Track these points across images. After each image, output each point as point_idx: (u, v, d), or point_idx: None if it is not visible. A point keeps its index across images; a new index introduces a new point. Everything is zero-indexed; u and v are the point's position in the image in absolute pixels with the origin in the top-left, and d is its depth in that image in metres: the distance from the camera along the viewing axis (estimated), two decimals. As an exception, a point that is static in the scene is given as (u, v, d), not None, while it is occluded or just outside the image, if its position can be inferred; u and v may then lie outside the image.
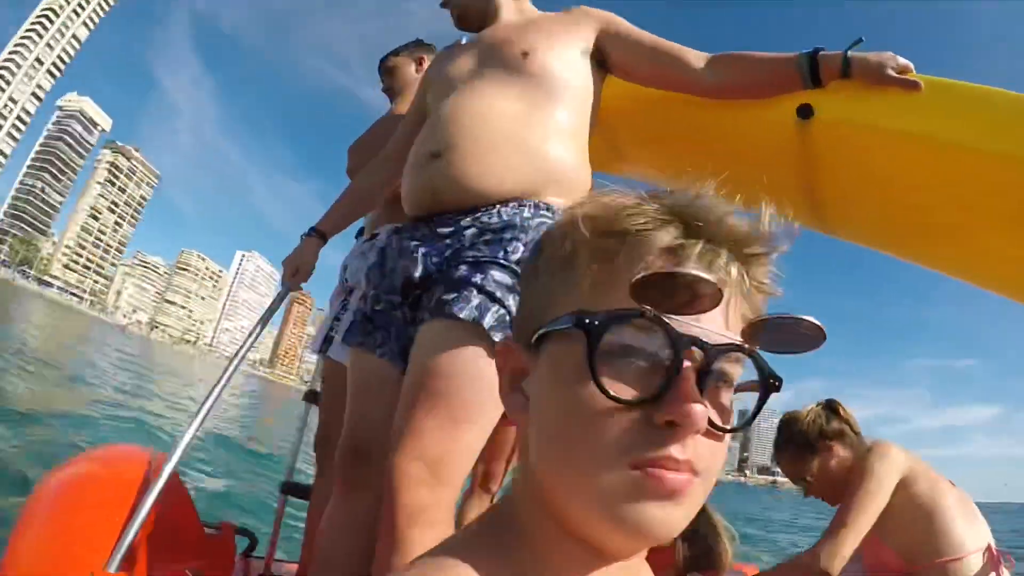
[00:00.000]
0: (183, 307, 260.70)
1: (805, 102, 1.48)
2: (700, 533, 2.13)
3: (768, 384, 0.49)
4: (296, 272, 1.90)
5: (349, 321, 1.57)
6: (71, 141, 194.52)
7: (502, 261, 1.27)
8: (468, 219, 1.34)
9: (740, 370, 0.49)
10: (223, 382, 1.67)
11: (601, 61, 1.64)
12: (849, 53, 1.42)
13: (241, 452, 10.43)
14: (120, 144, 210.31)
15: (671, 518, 0.44)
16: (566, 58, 1.54)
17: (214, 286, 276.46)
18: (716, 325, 0.46)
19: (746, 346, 0.47)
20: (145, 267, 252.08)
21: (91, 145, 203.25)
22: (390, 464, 1.14)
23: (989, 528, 1.88)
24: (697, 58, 1.57)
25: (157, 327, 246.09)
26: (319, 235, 1.92)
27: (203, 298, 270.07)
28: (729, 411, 0.49)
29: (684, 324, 0.44)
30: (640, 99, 1.78)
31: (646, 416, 0.44)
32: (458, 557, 0.48)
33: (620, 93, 1.75)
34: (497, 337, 1.18)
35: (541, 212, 1.35)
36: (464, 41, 1.78)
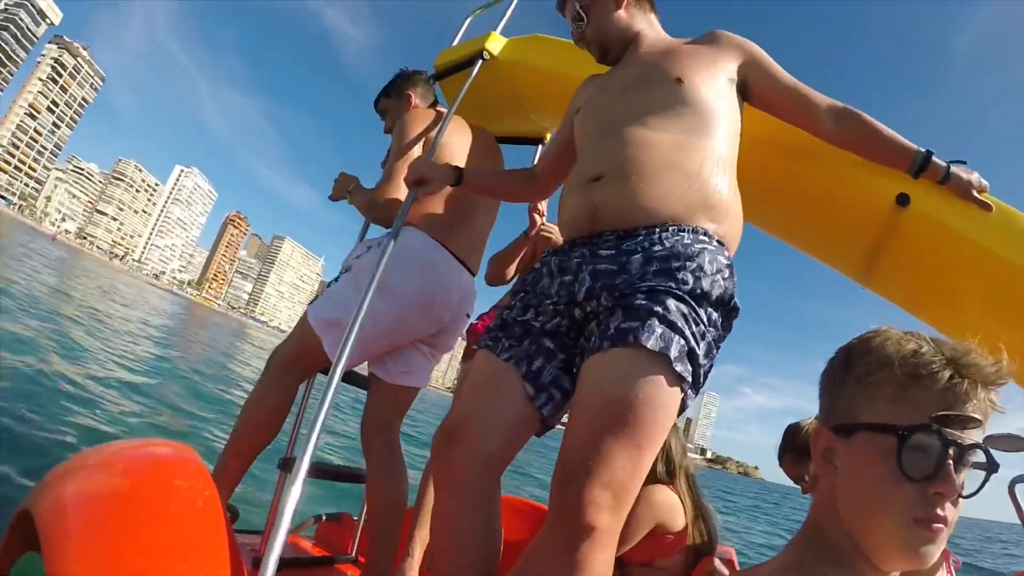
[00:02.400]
0: (115, 219, 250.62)
1: (905, 192, 1.72)
2: (704, 520, 2.40)
3: (990, 468, 0.81)
4: (421, 180, 1.92)
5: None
6: (16, 32, 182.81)
7: (677, 292, 1.28)
8: (631, 243, 1.37)
9: (979, 456, 0.80)
10: (335, 380, 1.43)
11: (743, 90, 1.72)
12: (952, 168, 1.63)
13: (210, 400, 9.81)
14: (68, 40, 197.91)
15: (935, 551, 0.76)
16: (717, 86, 1.60)
17: (149, 200, 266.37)
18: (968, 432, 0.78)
19: (983, 446, 0.79)
20: (79, 173, 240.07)
21: (36, 38, 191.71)
22: (579, 488, 1.15)
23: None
24: (823, 102, 1.69)
25: (86, 238, 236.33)
26: (457, 172, 1.97)
27: (136, 212, 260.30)
28: (964, 484, 0.79)
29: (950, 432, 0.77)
30: (750, 144, 1.92)
31: (923, 489, 0.76)
32: None
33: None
34: (678, 368, 1.21)
35: (700, 238, 1.37)
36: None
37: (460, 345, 2.65)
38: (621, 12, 1.81)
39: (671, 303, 1.26)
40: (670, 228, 1.37)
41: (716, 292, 1.32)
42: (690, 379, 1.25)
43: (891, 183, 1.75)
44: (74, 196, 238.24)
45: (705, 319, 1.30)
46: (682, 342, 1.24)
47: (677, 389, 1.24)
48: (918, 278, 1.91)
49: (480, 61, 2.58)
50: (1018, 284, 1.64)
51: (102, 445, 1.48)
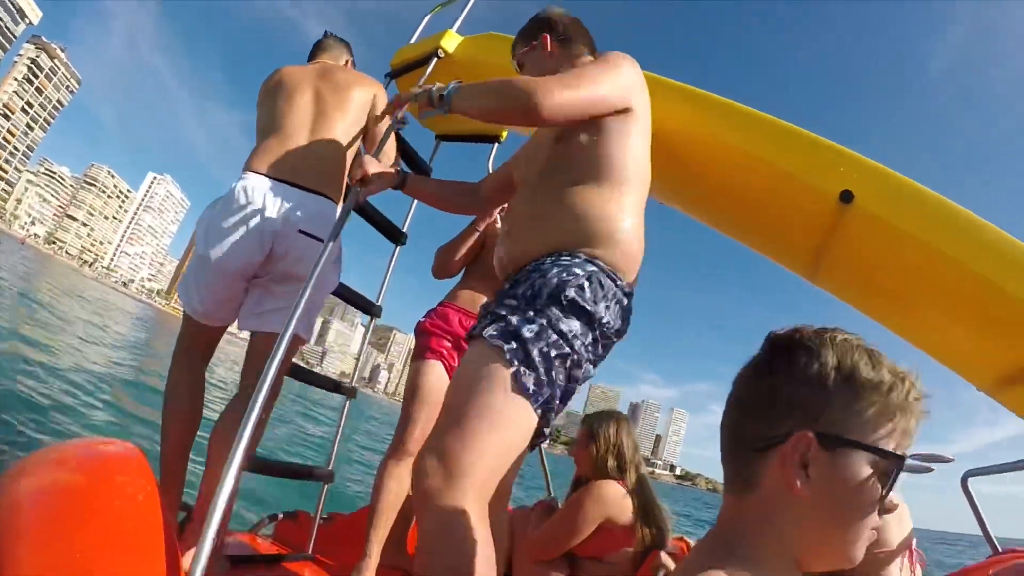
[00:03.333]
0: (85, 224, 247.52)
1: (849, 189, 1.74)
2: (653, 516, 2.40)
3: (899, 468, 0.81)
4: (364, 179, 2.01)
5: None
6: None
7: (512, 294, 1.48)
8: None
9: None
10: (274, 367, 1.56)
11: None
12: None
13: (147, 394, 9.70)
14: (46, 41, 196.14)
15: None
16: (590, 127, 1.64)
17: (120, 206, 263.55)
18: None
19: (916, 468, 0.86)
20: (51, 176, 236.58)
21: (14, 37, 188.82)
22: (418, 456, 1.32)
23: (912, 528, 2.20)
24: None
25: (55, 243, 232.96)
26: (402, 177, 2.11)
27: (107, 218, 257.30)
28: None
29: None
30: (697, 147, 1.99)
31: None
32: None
33: (667, 128, 1.94)
34: (497, 343, 1.35)
35: (561, 259, 1.49)
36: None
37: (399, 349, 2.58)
38: (549, 61, 1.92)
39: (505, 302, 1.47)
40: (544, 259, 1.52)
41: (553, 291, 1.42)
42: (513, 347, 1.35)
43: (835, 180, 1.77)
44: (45, 200, 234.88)
45: (534, 310, 1.41)
46: (501, 324, 1.40)
47: (499, 364, 1.34)
48: (864, 274, 1.93)
49: (435, 59, 2.58)
50: (962, 280, 1.66)
51: (53, 445, 1.56)
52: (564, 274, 1.43)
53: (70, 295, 28.82)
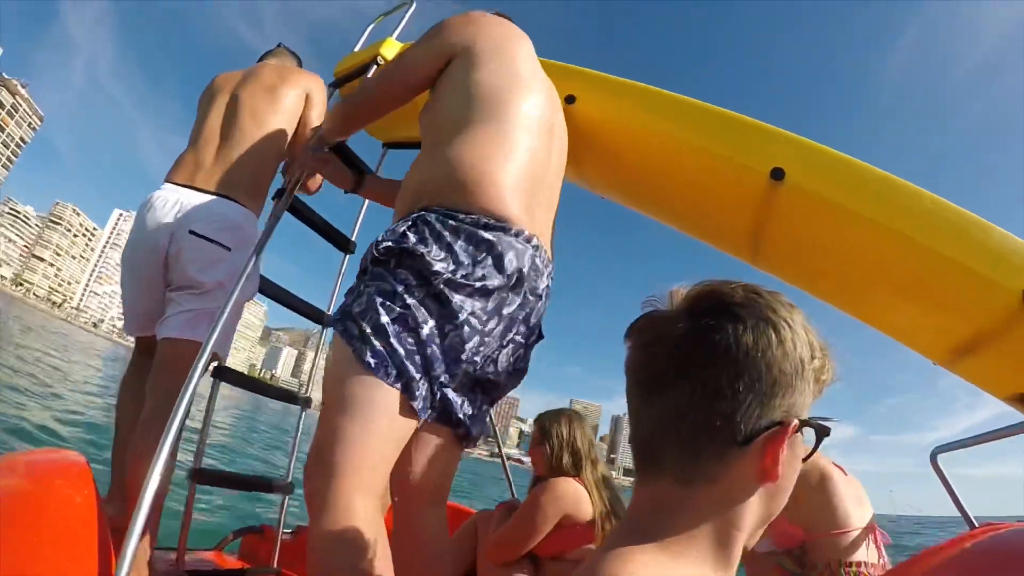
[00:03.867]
0: (52, 264, 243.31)
1: (779, 166, 1.75)
2: (616, 511, 2.39)
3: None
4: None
5: None
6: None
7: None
8: None
9: None
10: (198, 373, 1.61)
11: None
12: None
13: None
14: (6, 77, 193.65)
15: None
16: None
17: (87, 245, 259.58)
18: None
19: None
20: (15, 216, 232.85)
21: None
22: None
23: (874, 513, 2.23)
24: None
25: (22, 284, 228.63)
26: (357, 179, 2.38)
27: (75, 257, 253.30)
28: None
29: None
30: (613, 122, 1.99)
31: None
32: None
33: (592, 111, 1.97)
34: (337, 329, 1.35)
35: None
36: None
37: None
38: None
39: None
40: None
41: (370, 251, 1.42)
42: (343, 328, 1.33)
43: (765, 159, 1.78)
44: (10, 240, 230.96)
45: (362, 282, 1.40)
46: (339, 309, 1.40)
47: (341, 349, 1.32)
48: (803, 253, 1.93)
49: (375, 66, 2.59)
50: (904, 252, 1.66)
51: (6, 454, 1.61)
52: (383, 233, 1.40)
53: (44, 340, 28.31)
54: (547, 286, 1.53)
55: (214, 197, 2.25)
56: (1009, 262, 1.59)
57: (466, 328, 1.32)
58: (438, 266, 1.31)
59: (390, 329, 1.28)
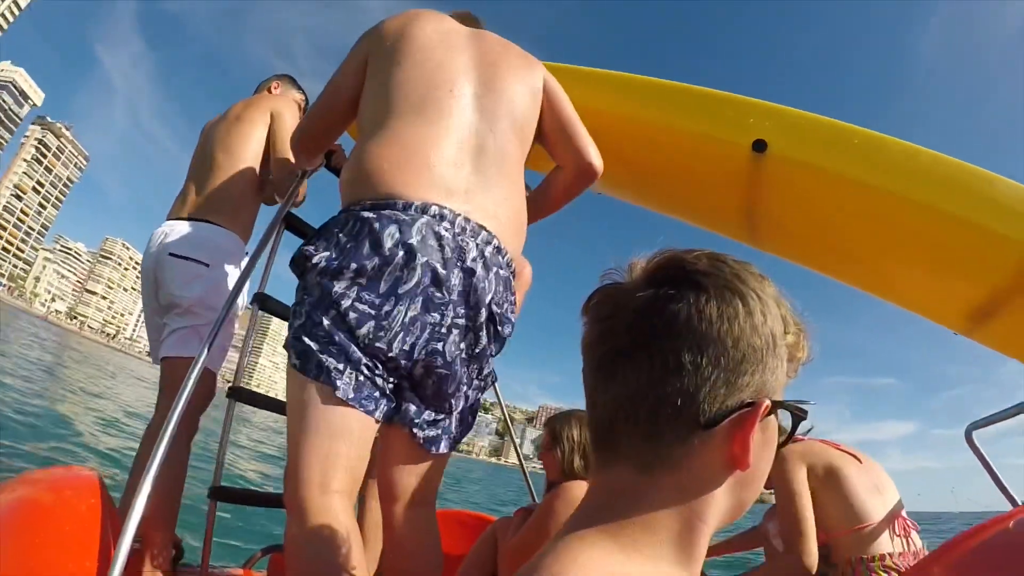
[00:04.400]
0: (104, 297, 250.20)
1: (760, 138, 1.71)
2: None
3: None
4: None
5: None
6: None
7: None
8: None
9: None
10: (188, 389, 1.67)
11: None
12: None
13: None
14: (51, 121, 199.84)
15: None
16: None
17: (137, 277, 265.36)
18: None
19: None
20: (67, 253, 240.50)
21: (20, 119, 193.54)
22: None
23: (900, 498, 2.14)
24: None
25: (76, 318, 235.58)
26: None
27: (126, 289, 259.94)
28: None
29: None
30: (594, 113, 1.92)
31: None
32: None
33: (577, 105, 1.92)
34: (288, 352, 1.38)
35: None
36: None
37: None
38: None
39: None
40: None
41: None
42: (290, 350, 1.37)
43: (745, 132, 1.74)
44: (63, 276, 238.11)
45: (298, 299, 1.40)
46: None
47: (290, 370, 1.37)
48: (799, 225, 1.88)
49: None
50: (905, 214, 1.59)
51: (35, 470, 1.80)
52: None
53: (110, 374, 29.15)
54: (480, 256, 1.41)
55: (191, 222, 2.44)
56: (1018, 213, 1.50)
57: (353, 313, 1.30)
58: (316, 259, 1.34)
59: (303, 330, 1.33)
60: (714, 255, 0.68)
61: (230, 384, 2.25)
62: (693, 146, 1.85)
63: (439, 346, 1.36)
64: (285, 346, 1.38)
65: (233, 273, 2.45)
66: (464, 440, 1.59)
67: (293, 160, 2.39)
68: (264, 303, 2.14)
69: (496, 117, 1.58)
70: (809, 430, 2.36)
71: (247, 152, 2.59)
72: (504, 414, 3.62)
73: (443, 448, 1.51)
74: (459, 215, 1.40)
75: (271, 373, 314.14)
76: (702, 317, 0.63)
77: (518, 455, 3.74)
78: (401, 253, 1.31)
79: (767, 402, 0.63)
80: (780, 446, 0.70)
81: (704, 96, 1.86)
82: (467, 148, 1.49)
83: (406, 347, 1.33)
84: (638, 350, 0.65)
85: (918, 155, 1.60)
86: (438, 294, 1.34)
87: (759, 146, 1.70)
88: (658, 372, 0.63)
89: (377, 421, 1.38)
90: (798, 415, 0.67)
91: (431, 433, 1.47)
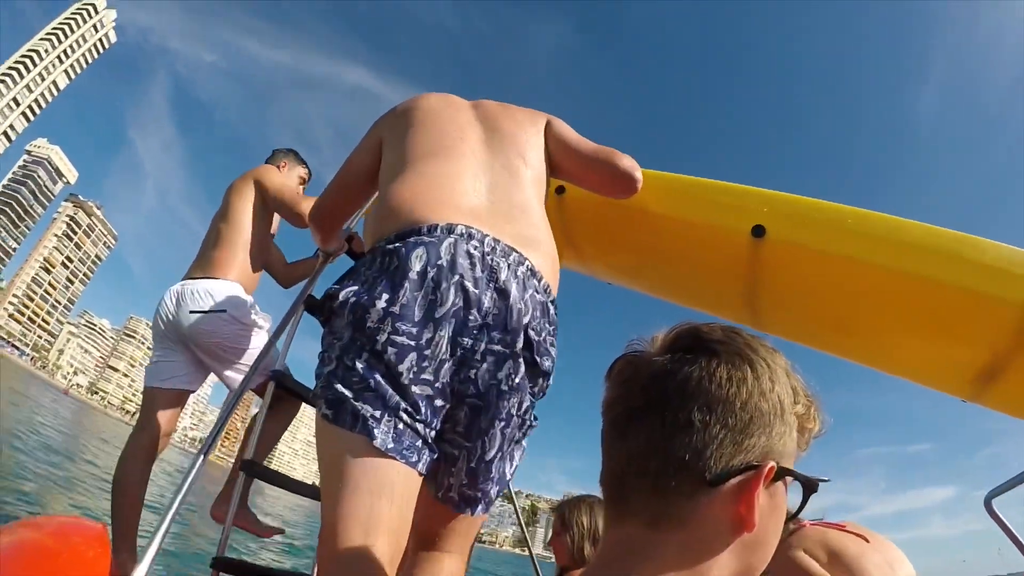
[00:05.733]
0: (126, 375, 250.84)
1: (758, 223, 1.78)
2: None
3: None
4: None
5: None
6: (34, 188, 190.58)
7: None
8: None
9: None
10: (198, 464, 1.70)
11: None
12: None
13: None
14: (82, 199, 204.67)
15: None
16: None
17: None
18: None
19: None
20: (91, 328, 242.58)
21: (53, 195, 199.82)
22: None
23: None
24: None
25: (97, 392, 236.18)
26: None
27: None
28: None
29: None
30: (600, 204, 2.02)
31: None
32: None
33: (581, 197, 2.03)
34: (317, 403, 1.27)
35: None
36: None
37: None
38: None
39: None
40: None
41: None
42: (320, 394, 1.25)
43: (744, 219, 1.82)
44: (86, 351, 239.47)
45: (326, 345, 1.32)
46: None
47: (320, 423, 1.24)
48: (799, 306, 1.94)
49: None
50: (898, 285, 1.65)
51: (40, 516, 2.05)
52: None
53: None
54: (513, 276, 1.33)
55: (199, 280, 2.74)
56: (1010, 274, 1.54)
57: (391, 348, 1.20)
58: (343, 295, 1.26)
59: (335, 377, 1.22)
60: (729, 327, 0.74)
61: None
62: (695, 234, 1.92)
63: (471, 374, 1.27)
64: (312, 397, 1.33)
65: (241, 308, 2.72)
66: (486, 530, 1.51)
67: (300, 209, 2.82)
68: (281, 381, 2.15)
69: (507, 155, 1.63)
70: (820, 519, 2.36)
71: (242, 218, 2.92)
72: (515, 505, 3.75)
73: (479, 511, 1.42)
74: (487, 235, 1.34)
75: (290, 459, 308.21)
76: (712, 379, 0.67)
77: (527, 544, 3.78)
78: (432, 273, 1.24)
79: (772, 464, 0.65)
80: (794, 515, 0.73)
81: (704, 186, 1.95)
82: (483, 182, 1.51)
83: (456, 378, 1.26)
84: (651, 409, 0.69)
85: (910, 229, 1.67)
86: (470, 316, 1.26)
87: (758, 231, 1.78)
88: (668, 429, 0.66)
89: (420, 474, 1.24)
90: (809, 486, 0.69)
91: (470, 494, 1.37)
